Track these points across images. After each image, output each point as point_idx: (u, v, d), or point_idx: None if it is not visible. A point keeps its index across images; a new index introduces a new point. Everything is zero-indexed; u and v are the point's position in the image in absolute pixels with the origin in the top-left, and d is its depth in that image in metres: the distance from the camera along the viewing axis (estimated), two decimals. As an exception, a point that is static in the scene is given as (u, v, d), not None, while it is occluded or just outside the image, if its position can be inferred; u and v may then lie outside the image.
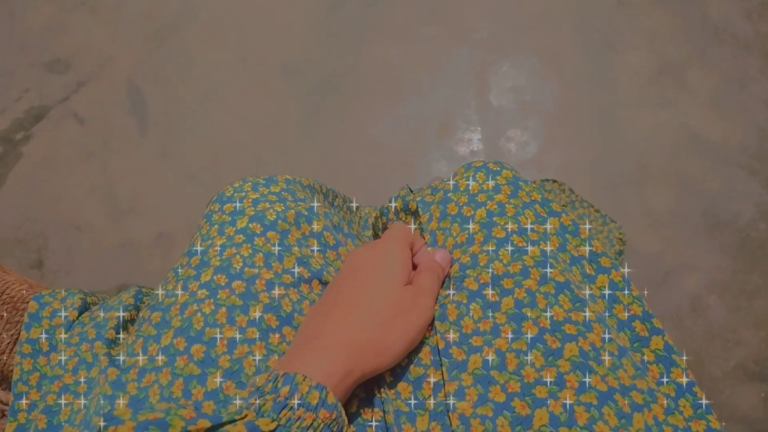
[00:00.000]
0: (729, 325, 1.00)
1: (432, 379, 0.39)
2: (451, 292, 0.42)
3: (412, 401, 0.38)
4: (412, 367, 0.40)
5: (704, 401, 0.38)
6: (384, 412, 0.38)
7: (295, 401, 0.31)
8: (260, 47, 1.27)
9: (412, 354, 0.40)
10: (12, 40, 1.33)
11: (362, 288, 0.39)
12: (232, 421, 0.30)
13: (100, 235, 1.13)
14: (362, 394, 0.40)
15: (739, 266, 1.03)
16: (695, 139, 1.12)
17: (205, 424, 0.29)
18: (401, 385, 0.39)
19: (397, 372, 0.40)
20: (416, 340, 0.39)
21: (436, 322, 0.40)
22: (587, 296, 0.42)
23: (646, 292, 0.44)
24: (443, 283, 0.43)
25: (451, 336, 0.39)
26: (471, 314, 0.40)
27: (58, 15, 1.34)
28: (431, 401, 0.38)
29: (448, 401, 0.36)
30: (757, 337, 0.99)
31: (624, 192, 1.09)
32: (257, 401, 0.32)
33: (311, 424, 0.31)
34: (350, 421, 0.38)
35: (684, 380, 0.39)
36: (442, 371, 0.38)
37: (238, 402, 0.33)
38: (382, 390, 0.39)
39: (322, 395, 0.32)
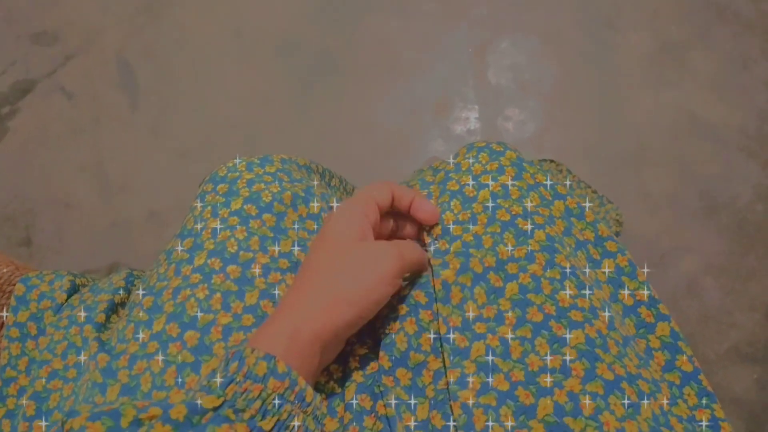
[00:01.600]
0: (724, 307, 1.00)
1: (432, 367, 0.38)
2: (449, 260, 0.41)
3: (412, 388, 0.37)
4: (411, 353, 0.38)
5: (710, 389, 0.38)
6: (385, 404, 0.37)
7: (242, 375, 0.30)
8: (254, 22, 1.24)
9: (411, 339, 0.39)
10: (-3, 11, 1.29)
11: (313, 254, 0.38)
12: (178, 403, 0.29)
13: (91, 213, 1.11)
14: (361, 379, 0.39)
15: (735, 249, 1.03)
16: (694, 121, 1.11)
17: (157, 411, 0.28)
18: (400, 371, 0.38)
19: (396, 358, 0.38)
20: (378, 291, 0.36)
21: (438, 304, 0.39)
22: (593, 282, 0.41)
23: (646, 270, 0.43)
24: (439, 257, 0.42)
25: (453, 321, 0.38)
26: (475, 298, 0.39)
27: (45, -15, 1.30)
28: (431, 389, 0.37)
29: (450, 389, 0.35)
30: (751, 319, 0.99)
31: (622, 173, 1.08)
32: (209, 381, 0.31)
33: (258, 395, 0.30)
34: (347, 410, 0.37)
35: (689, 368, 0.39)
36: (443, 357, 0.37)
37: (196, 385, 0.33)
38: (381, 378, 0.38)
39: (270, 365, 0.31)
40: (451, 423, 0.35)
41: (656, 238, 1.04)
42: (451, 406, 0.35)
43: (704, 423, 0.36)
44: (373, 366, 0.39)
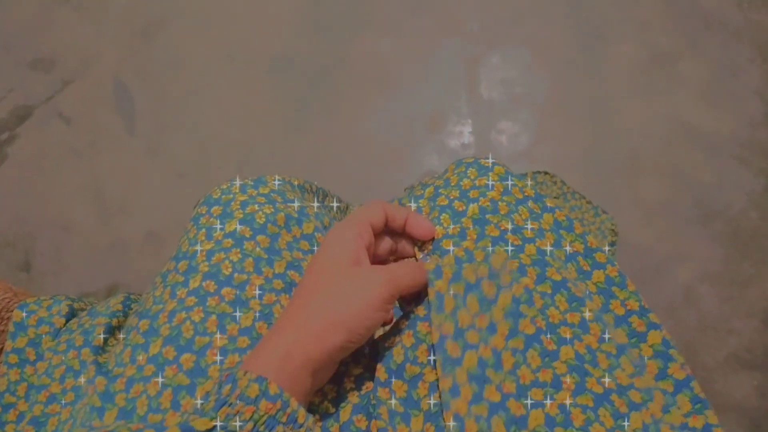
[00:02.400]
0: (721, 314, 1.00)
1: (428, 379, 0.38)
2: (442, 267, 0.41)
3: (407, 400, 0.38)
4: (408, 365, 0.39)
5: (702, 396, 0.38)
6: (375, 416, 0.37)
7: (234, 397, 0.31)
8: (248, 42, 1.25)
9: (408, 351, 0.39)
10: (-6, 38, 1.31)
11: (307, 277, 0.38)
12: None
13: (89, 235, 1.12)
14: (356, 399, 0.39)
15: (731, 256, 1.03)
16: (687, 130, 1.12)
17: None
18: (396, 383, 0.38)
19: (392, 369, 0.39)
20: (368, 317, 0.36)
21: (432, 314, 0.39)
22: (584, 294, 0.41)
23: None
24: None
25: (446, 328, 0.38)
26: (468, 306, 0.39)
27: (42, 12, 1.32)
28: (427, 401, 0.37)
29: (442, 398, 0.36)
30: (749, 326, 0.99)
31: (616, 183, 1.09)
32: (203, 404, 0.32)
33: (251, 416, 0.30)
34: (342, 430, 0.38)
35: (682, 375, 0.39)
36: (436, 368, 0.38)
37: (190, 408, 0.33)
38: (377, 390, 0.38)
39: (261, 387, 0.31)
40: None
41: (652, 247, 1.04)
42: (444, 417, 0.35)
43: (698, 430, 0.37)
44: (368, 386, 0.40)
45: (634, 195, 1.08)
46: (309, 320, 0.35)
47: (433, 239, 0.44)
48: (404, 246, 0.45)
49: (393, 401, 0.37)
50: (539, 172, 1.07)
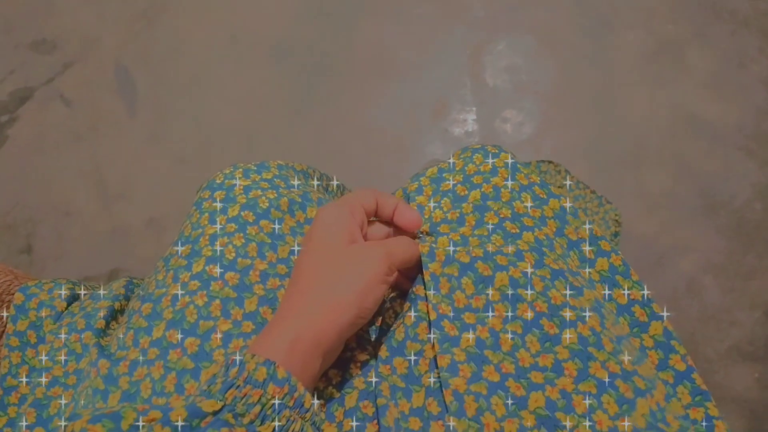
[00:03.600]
0: (724, 306, 1.00)
1: (429, 355, 0.38)
2: (436, 248, 0.41)
3: (408, 377, 0.38)
4: (408, 342, 0.39)
5: (703, 388, 0.38)
6: (376, 392, 0.37)
7: (242, 380, 0.31)
8: (251, 26, 1.24)
9: (408, 329, 0.39)
10: (-6, 19, 1.29)
11: (305, 257, 0.38)
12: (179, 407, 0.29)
13: (90, 220, 1.12)
14: (363, 385, 0.39)
15: (734, 247, 1.03)
16: (692, 120, 1.11)
17: (157, 414, 0.29)
18: (397, 360, 0.38)
19: (393, 347, 0.39)
20: (371, 292, 0.36)
21: (429, 292, 0.39)
22: (585, 283, 0.41)
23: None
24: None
25: (443, 308, 0.38)
26: (463, 288, 0.39)
27: (42, -7, 1.31)
28: (428, 377, 0.37)
29: (441, 376, 0.36)
30: (751, 318, 0.99)
31: (620, 173, 1.08)
32: (210, 386, 0.31)
33: (258, 400, 0.30)
34: (347, 416, 0.38)
35: (683, 367, 0.39)
36: (433, 345, 0.37)
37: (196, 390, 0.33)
38: (378, 366, 0.38)
39: (270, 371, 0.31)
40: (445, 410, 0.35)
41: (655, 237, 1.04)
42: (443, 394, 0.35)
43: (699, 421, 0.37)
44: (374, 372, 0.39)
45: (639, 185, 1.07)
46: (317, 301, 0.35)
47: (430, 222, 0.44)
48: (397, 234, 0.45)
49: (394, 377, 0.38)
50: (543, 161, 1.07)
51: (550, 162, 1.06)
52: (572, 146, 1.11)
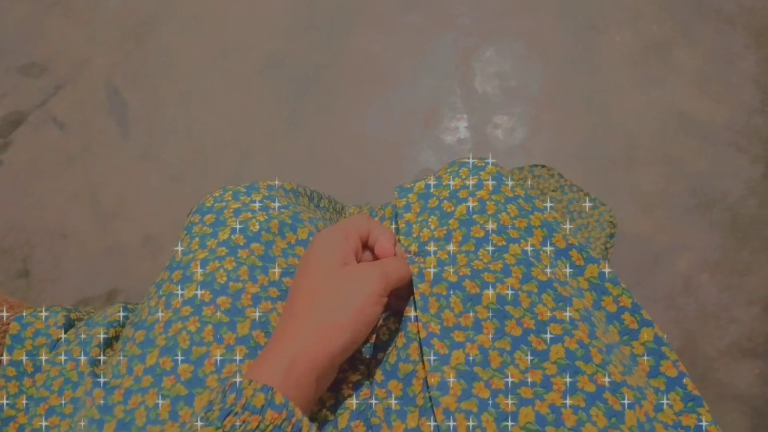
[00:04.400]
0: (722, 303, 1.00)
1: (421, 375, 0.38)
2: (424, 269, 0.41)
3: (403, 398, 0.38)
4: (401, 364, 0.39)
5: (695, 393, 0.38)
6: (370, 415, 0.37)
7: (240, 406, 0.31)
8: (240, 42, 1.25)
9: (400, 351, 0.39)
10: (-15, 44, 1.30)
11: (300, 281, 0.38)
12: None
13: (87, 241, 1.12)
14: (354, 406, 0.39)
15: (729, 244, 1.03)
16: (682, 118, 1.11)
17: None
18: (392, 383, 0.39)
19: (387, 370, 0.39)
20: (367, 313, 0.37)
21: (418, 312, 0.39)
22: (574, 292, 0.41)
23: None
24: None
25: (432, 327, 0.39)
26: (451, 307, 0.39)
27: (32, 17, 1.31)
28: (421, 397, 0.37)
29: (432, 394, 0.36)
30: (749, 314, 0.99)
31: (613, 174, 1.09)
32: (207, 413, 0.31)
33: (257, 426, 0.31)
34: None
35: (674, 373, 0.39)
36: (424, 363, 0.38)
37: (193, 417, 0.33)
38: (374, 389, 0.39)
39: (267, 396, 0.31)
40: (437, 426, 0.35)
41: (651, 237, 1.04)
42: (434, 413, 0.36)
43: (691, 428, 0.37)
44: (365, 392, 0.40)
45: (632, 186, 1.08)
46: (311, 326, 0.36)
47: (418, 242, 0.45)
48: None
49: (391, 400, 0.38)
50: (536, 166, 1.07)
51: (543, 166, 1.06)
52: (564, 149, 1.11)
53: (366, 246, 0.43)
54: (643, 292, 1.01)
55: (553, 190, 1.05)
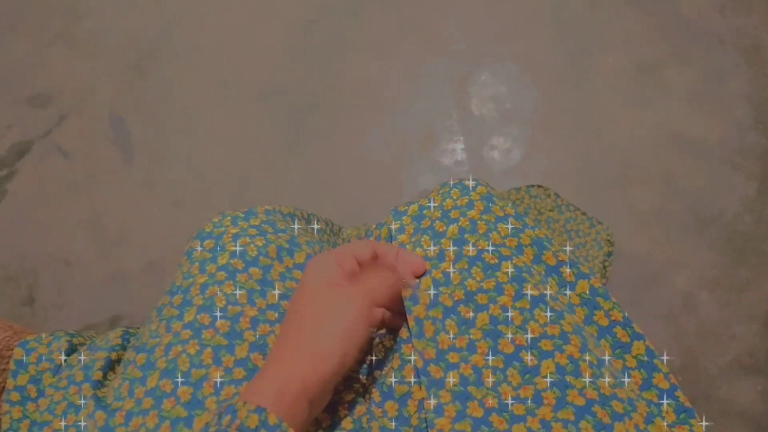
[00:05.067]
0: (721, 320, 1.00)
1: (417, 396, 0.39)
2: (419, 294, 0.42)
3: (398, 418, 0.39)
4: (396, 385, 0.40)
5: (687, 405, 0.39)
6: (367, 430, 0.38)
7: (234, 428, 0.32)
8: (240, 70, 1.27)
9: (395, 372, 0.40)
10: (-9, 77, 1.33)
11: (292, 306, 0.39)
12: None
13: (90, 268, 1.13)
14: (350, 425, 0.40)
15: (727, 261, 1.04)
16: (676, 137, 1.13)
17: None
18: (389, 404, 0.40)
19: (384, 391, 0.40)
20: (353, 336, 0.37)
21: (414, 340, 0.40)
22: (565, 306, 0.42)
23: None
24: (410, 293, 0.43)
25: (428, 353, 0.39)
26: (447, 330, 0.40)
27: (36, 50, 1.34)
28: (416, 417, 0.38)
29: (427, 417, 0.37)
30: (750, 330, 0.99)
31: (609, 193, 1.10)
32: None
33: None
34: None
35: (666, 385, 0.39)
36: (422, 388, 0.39)
37: None
38: (372, 407, 0.40)
39: (261, 417, 0.32)
40: None
41: (648, 255, 1.05)
42: None
43: None
44: (359, 409, 0.40)
45: (628, 204, 1.09)
46: (301, 350, 0.37)
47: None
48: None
49: (385, 419, 0.39)
50: (533, 186, 1.08)
51: (539, 186, 1.08)
52: (560, 169, 1.13)
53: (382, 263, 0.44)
54: (642, 309, 1.01)
55: (550, 210, 1.06)
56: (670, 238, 1.06)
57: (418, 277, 0.45)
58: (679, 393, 0.39)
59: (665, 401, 0.39)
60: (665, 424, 0.38)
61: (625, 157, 1.12)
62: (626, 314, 0.42)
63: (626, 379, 0.40)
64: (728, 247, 1.04)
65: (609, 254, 1.02)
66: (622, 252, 1.05)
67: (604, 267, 1.00)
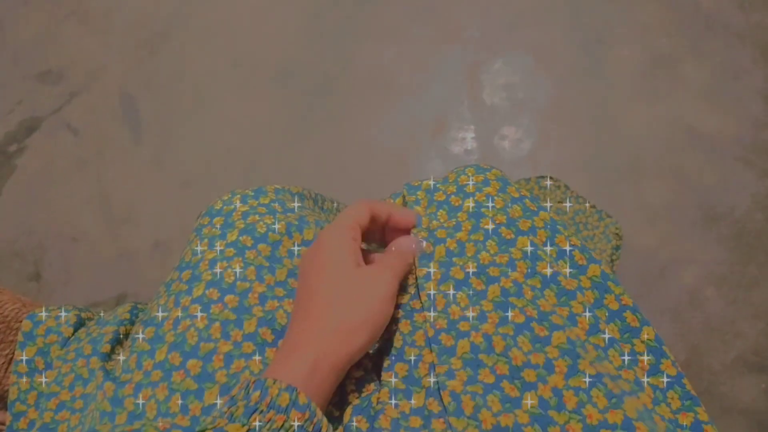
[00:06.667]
0: (727, 317, 1.00)
1: (427, 360, 0.40)
2: (432, 270, 0.43)
3: (408, 378, 0.39)
4: (407, 348, 0.40)
5: (693, 393, 0.39)
6: (378, 400, 0.39)
7: (265, 405, 0.32)
8: (251, 52, 1.27)
9: (406, 337, 0.41)
10: (2, 52, 1.33)
11: (313, 282, 0.40)
12: (204, 430, 0.30)
13: (97, 245, 1.13)
14: (357, 401, 0.40)
15: (736, 258, 1.03)
16: (690, 132, 1.12)
17: None
18: (398, 366, 0.40)
19: (393, 355, 0.41)
20: (383, 313, 0.39)
21: (425, 312, 0.41)
22: (575, 288, 0.42)
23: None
24: (419, 262, 0.44)
25: (440, 324, 0.40)
26: (458, 302, 0.41)
27: (49, 26, 1.34)
28: (428, 379, 0.39)
29: (439, 380, 0.37)
30: (755, 328, 0.99)
31: (619, 187, 1.09)
32: (230, 408, 0.32)
33: (282, 425, 0.31)
34: (344, 430, 0.38)
35: (673, 372, 0.39)
36: (433, 354, 0.39)
37: (216, 412, 0.34)
38: (382, 374, 0.40)
39: (292, 396, 0.32)
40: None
41: (656, 250, 1.04)
42: (441, 395, 0.37)
43: (687, 426, 0.37)
44: (368, 388, 0.40)
45: (638, 198, 1.08)
46: (333, 327, 0.37)
47: (428, 230, 0.46)
48: (391, 236, 0.47)
49: (395, 380, 0.39)
50: (543, 177, 1.08)
51: (549, 177, 1.07)
52: (571, 161, 1.12)
53: (376, 226, 0.45)
54: (648, 304, 1.01)
55: (559, 202, 1.05)
56: (679, 234, 1.05)
57: (418, 233, 0.46)
58: (685, 381, 0.39)
59: (672, 388, 0.39)
60: (670, 410, 0.38)
61: (636, 151, 1.11)
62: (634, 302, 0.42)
63: (634, 366, 0.40)
64: (737, 245, 1.04)
65: (617, 248, 1.02)
66: (630, 246, 1.04)
67: (612, 261, 1.00)
